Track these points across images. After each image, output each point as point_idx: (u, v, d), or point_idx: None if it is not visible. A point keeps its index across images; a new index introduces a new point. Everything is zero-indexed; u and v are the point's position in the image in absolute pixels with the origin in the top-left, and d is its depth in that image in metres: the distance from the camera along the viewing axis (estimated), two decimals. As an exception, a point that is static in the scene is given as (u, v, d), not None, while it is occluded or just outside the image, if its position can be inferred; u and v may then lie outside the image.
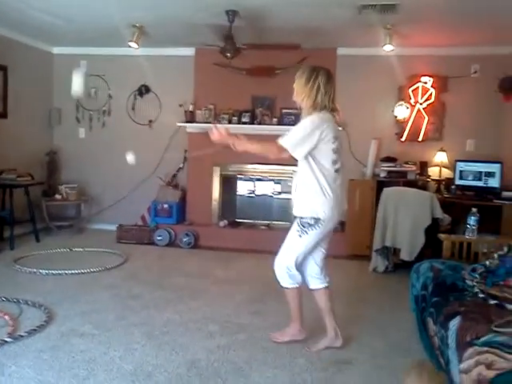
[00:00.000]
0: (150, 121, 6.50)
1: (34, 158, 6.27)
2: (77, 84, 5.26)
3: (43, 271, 4.43)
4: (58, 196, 6.29)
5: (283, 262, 2.95)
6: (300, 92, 2.92)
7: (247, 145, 2.93)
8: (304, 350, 2.98)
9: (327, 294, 3.07)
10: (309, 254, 3.00)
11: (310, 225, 2.85)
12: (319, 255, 3.06)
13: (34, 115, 6.38)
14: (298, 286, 2.98)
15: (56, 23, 5.20)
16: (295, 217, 2.96)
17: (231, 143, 2.93)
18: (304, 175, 2.89)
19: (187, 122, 6.16)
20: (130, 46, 5.39)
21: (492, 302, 2.50)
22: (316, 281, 3.07)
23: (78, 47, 6.45)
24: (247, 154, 3.01)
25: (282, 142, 2.80)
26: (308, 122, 2.83)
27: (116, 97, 6.58)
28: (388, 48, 5.03)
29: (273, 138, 2.91)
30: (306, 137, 2.79)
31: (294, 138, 2.81)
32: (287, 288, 2.99)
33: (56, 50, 6.65)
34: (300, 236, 2.89)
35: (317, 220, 2.84)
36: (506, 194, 4.99)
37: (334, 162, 2.87)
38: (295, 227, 2.92)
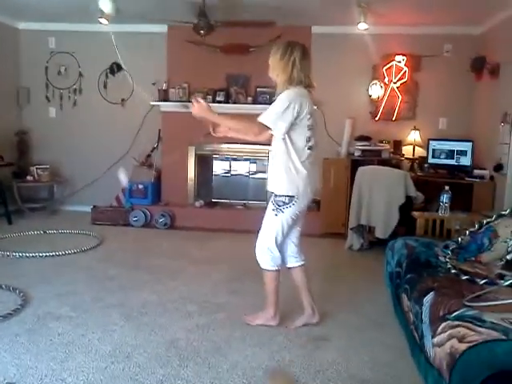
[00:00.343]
0: (123, 99, 6.38)
1: (2, 138, 6.08)
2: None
3: (17, 254, 4.35)
4: (29, 177, 6.16)
5: (264, 244, 2.96)
6: (275, 67, 2.89)
7: (227, 122, 2.88)
8: (282, 329, 3.02)
9: (303, 271, 3.11)
10: (287, 234, 3.02)
11: (285, 203, 2.86)
12: (295, 234, 3.09)
13: (1, 94, 6.17)
14: (277, 268, 2.99)
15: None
16: (270, 194, 2.96)
17: (211, 128, 2.89)
18: (278, 152, 2.89)
19: (161, 100, 6.07)
20: (100, 23, 5.24)
21: (464, 277, 2.57)
22: (293, 259, 3.10)
23: (45, 23, 6.24)
24: (226, 138, 2.97)
25: (261, 119, 2.78)
26: (284, 96, 2.81)
27: (87, 75, 6.42)
28: (362, 26, 5.03)
29: (248, 117, 2.89)
30: (285, 111, 2.76)
31: (273, 114, 2.78)
32: (267, 270, 2.98)
33: (22, 26, 6.42)
34: (276, 215, 2.90)
35: (291, 198, 2.85)
36: (477, 172, 5.10)
37: (308, 140, 2.87)
38: (270, 207, 2.93)
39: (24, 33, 6.44)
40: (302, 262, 3.12)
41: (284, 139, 2.83)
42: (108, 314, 3.17)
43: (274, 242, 2.93)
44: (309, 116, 2.84)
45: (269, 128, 2.79)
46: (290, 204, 2.86)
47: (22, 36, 6.46)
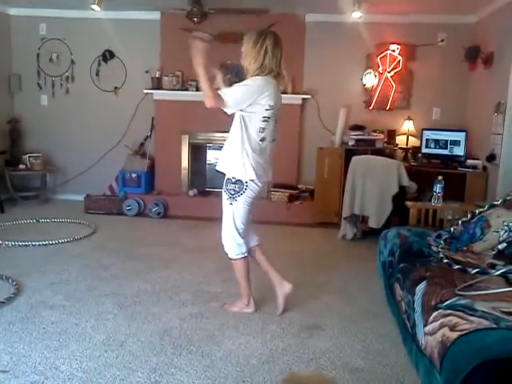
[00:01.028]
0: (116, 87, 6.32)
1: (-6, 126, 6.05)
2: None
3: (9, 243, 4.34)
4: (21, 166, 6.11)
5: (227, 234, 2.99)
6: (247, 55, 2.90)
7: (201, 77, 2.78)
8: (276, 317, 3.04)
9: (261, 250, 3.16)
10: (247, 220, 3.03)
11: (236, 191, 2.89)
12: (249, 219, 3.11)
13: (-9, 81, 6.12)
14: (244, 255, 3.02)
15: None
16: (225, 180, 2.96)
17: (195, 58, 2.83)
18: (234, 134, 2.90)
19: (154, 88, 6.03)
20: (92, 9, 5.18)
21: (456, 266, 2.58)
22: (250, 241, 3.13)
23: (36, 8, 6.15)
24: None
25: (221, 92, 2.79)
26: (250, 81, 2.84)
27: (79, 62, 6.35)
28: (356, 15, 5.01)
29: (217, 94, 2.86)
30: (244, 94, 2.79)
31: (233, 92, 2.79)
32: (235, 259, 3.03)
33: (13, 12, 6.32)
34: (231, 204, 2.93)
35: (240, 185, 2.88)
36: (470, 161, 5.12)
37: (261, 130, 2.87)
38: (224, 197, 2.95)
39: (15, 19, 6.35)
40: (258, 242, 3.18)
41: (240, 123, 2.85)
42: (101, 303, 3.17)
43: (235, 230, 2.96)
44: (268, 107, 2.84)
45: (223, 103, 2.78)
46: (241, 192, 2.89)
47: (12, 22, 6.36)
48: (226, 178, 2.95)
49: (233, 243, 2.99)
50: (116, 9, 5.72)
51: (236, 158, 2.88)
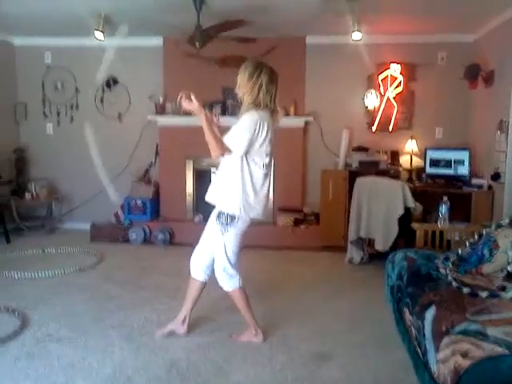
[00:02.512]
0: (120, 114, 6.37)
1: (0, 155, 6.07)
2: None
3: (15, 274, 4.33)
4: (27, 195, 6.14)
5: (219, 266, 2.99)
6: (242, 86, 2.91)
7: (206, 129, 2.83)
8: (285, 347, 2.99)
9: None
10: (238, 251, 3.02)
11: (227, 223, 2.89)
12: None
13: (-3, 110, 6.18)
14: (239, 286, 3.01)
15: (17, 12, 4.98)
16: (217, 213, 2.95)
17: (182, 96, 2.89)
18: (232, 168, 2.89)
19: (158, 114, 6.06)
20: (95, 37, 5.25)
21: (465, 290, 2.55)
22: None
23: (41, 37, 6.22)
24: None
25: (225, 140, 2.83)
26: (247, 119, 2.84)
27: (83, 90, 6.41)
28: (356, 36, 5.03)
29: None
30: (245, 134, 2.80)
31: (238, 139, 2.81)
32: (230, 291, 3.02)
33: (17, 41, 6.40)
34: (222, 234, 2.92)
35: (232, 217, 2.88)
36: (475, 181, 5.08)
37: (263, 166, 2.89)
38: (215, 227, 2.94)
39: (20, 48, 6.43)
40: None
41: (241, 159, 2.85)
42: (108, 335, 3.14)
43: (227, 261, 2.96)
44: (267, 142, 2.87)
45: (231, 152, 2.83)
46: (232, 224, 2.89)
47: (17, 51, 6.44)
48: (218, 210, 2.94)
49: (225, 275, 2.98)
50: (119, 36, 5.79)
51: (233, 193, 2.87)
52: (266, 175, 2.93)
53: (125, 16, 5.09)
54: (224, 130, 2.95)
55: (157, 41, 6.09)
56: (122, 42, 6.03)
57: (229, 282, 2.99)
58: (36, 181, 6.31)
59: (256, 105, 2.86)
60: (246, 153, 2.84)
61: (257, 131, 2.80)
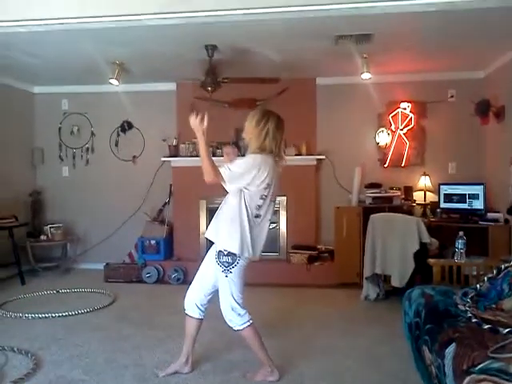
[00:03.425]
0: (134, 156, 6.49)
1: (17, 198, 6.19)
2: None
3: (29, 315, 4.32)
4: (43, 237, 6.21)
5: (226, 306, 2.97)
6: (249, 132, 2.98)
7: (202, 152, 2.92)
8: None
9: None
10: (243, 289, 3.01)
11: (229, 263, 2.90)
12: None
13: (16, 156, 6.34)
14: (249, 323, 2.97)
15: (34, 63, 5.21)
16: (216, 251, 2.95)
17: (196, 115, 2.95)
18: (230, 205, 2.92)
19: (171, 156, 6.16)
20: (110, 83, 5.42)
21: (486, 326, 2.48)
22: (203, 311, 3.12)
23: (58, 86, 6.46)
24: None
25: (221, 170, 2.86)
26: (249, 159, 2.90)
27: (99, 134, 6.57)
28: (366, 76, 5.13)
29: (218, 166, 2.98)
30: (243, 174, 2.85)
31: (232, 172, 2.85)
32: (241, 330, 2.98)
33: (37, 90, 6.65)
34: (226, 276, 2.92)
35: (233, 256, 2.89)
36: (490, 215, 5.04)
37: (258, 208, 2.92)
38: (218, 269, 2.93)
39: (39, 96, 6.67)
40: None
41: (239, 198, 2.89)
42: (121, 376, 3.10)
43: (234, 301, 2.95)
44: (266, 186, 2.89)
45: (224, 180, 2.86)
46: (235, 263, 2.90)
47: (36, 99, 6.68)
48: (217, 249, 2.95)
49: (234, 314, 2.96)
50: (133, 81, 5.97)
51: (231, 231, 2.89)
52: (261, 217, 2.94)
53: (139, 64, 5.27)
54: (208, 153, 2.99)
55: (170, 86, 6.25)
56: (137, 87, 6.22)
57: (238, 320, 2.96)
58: (51, 222, 6.38)
59: (261, 150, 2.92)
60: (243, 192, 2.87)
61: (254, 173, 2.84)
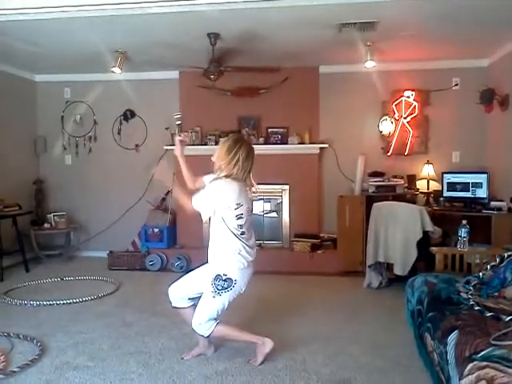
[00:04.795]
0: (137, 145, 6.49)
1: (21, 187, 6.22)
2: None
3: (34, 302, 4.35)
4: (46, 225, 6.23)
5: (203, 315, 3.00)
6: (219, 158, 3.02)
7: (183, 167, 3.39)
8: (304, 373, 2.94)
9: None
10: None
11: (223, 287, 2.95)
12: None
13: (19, 144, 6.34)
14: (216, 322, 3.02)
15: (36, 51, 5.19)
16: (214, 273, 3.01)
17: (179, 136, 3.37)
18: (216, 234, 3.00)
19: (174, 144, 6.14)
20: (113, 72, 5.41)
21: (488, 314, 2.49)
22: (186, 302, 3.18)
23: (60, 74, 6.43)
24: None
25: (193, 199, 2.93)
26: (213, 187, 2.95)
27: (101, 122, 6.56)
28: (369, 64, 5.09)
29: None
30: (209, 201, 2.92)
31: (200, 200, 2.92)
32: (213, 331, 3.02)
33: (38, 78, 6.63)
34: (214, 297, 2.97)
35: (229, 281, 2.95)
36: (494, 203, 5.02)
37: (239, 227, 2.97)
38: (209, 289, 2.98)
39: (41, 85, 6.65)
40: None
41: (220, 222, 2.95)
42: (126, 362, 3.12)
43: (216, 314, 3.01)
44: (236, 206, 2.93)
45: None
46: (229, 289, 2.96)
47: (38, 88, 6.66)
48: (215, 273, 2.99)
49: (207, 323, 3.00)
50: (136, 70, 5.96)
51: (225, 254, 2.97)
52: (245, 233, 3.00)
53: (142, 52, 5.25)
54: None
55: (173, 74, 6.23)
56: (139, 76, 6.20)
57: (210, 326, 3.00)
58: (54, 211, 6.41)
59: (229, 176, 2.96)
60: (221, 217, 2.93)
61: (219, 198, 2.90)
